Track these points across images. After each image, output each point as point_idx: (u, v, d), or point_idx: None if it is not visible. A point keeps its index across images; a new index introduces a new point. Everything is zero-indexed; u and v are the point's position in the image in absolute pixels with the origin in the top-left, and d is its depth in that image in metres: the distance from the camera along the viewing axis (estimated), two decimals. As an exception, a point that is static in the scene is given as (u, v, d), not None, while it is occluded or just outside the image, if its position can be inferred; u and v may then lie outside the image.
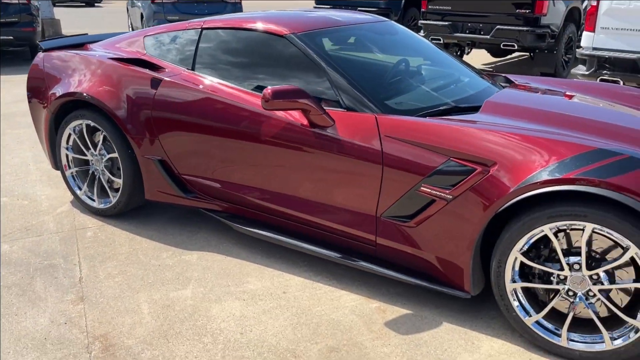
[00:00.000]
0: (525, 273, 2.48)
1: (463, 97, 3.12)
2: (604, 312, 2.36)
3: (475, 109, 2.93)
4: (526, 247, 2.39)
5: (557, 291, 2.40)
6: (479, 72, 3.67)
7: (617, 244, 2.27)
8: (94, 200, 3.81)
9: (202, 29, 3.52)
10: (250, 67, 3.26)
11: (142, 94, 3.43)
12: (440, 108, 2.90)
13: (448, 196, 2.53)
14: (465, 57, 10.12)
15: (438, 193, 2.56)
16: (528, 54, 9.79)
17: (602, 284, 2.31)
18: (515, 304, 2.47)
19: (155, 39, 3.73)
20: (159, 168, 3.45)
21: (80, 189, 3.87)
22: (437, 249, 2.64)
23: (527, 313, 2.46)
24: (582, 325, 2.39)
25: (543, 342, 2.44)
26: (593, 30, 5.75)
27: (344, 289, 2.94)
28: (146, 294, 2.90)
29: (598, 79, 5.75)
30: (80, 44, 4.21)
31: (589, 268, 2.31)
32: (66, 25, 16.07)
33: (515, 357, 2.44)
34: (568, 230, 2.33)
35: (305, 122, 2.89)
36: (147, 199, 3.59)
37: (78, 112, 3.64)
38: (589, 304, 2.35)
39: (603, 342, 2.31)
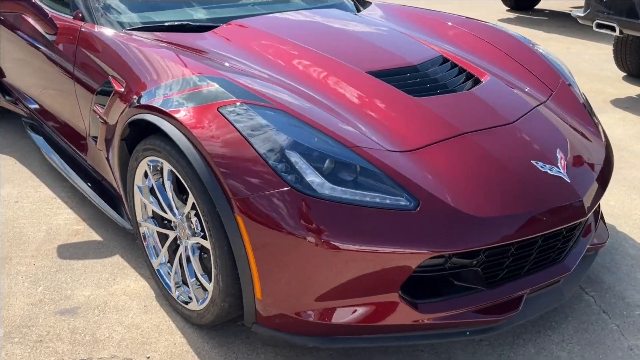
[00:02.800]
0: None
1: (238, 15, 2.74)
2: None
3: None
4: (149, 183, 2.12)
5: (175, 237, 2.11)
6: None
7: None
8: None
9: None
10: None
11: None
12: (165, 24, 2.59)
13: (105, 117, 2.31)
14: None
15: (100, 114, 2.34)
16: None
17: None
18: (146, 244, 2.23)
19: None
20: (-13, 72, 3.56)
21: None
22: (109, 175, 2.44)
23: (158, 256, 2.21)
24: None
25: (164, 290, 2.19)
26: (597, -37, 4.63)
27: (73, 208, 2.86)
28: None
29: (594, 24, 4.69)
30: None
31: (179, 214, 1.99)
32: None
33: (136, 299, 2.23)
34: (158, 167, 2.02)
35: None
36: (-6, 103, 3.74)
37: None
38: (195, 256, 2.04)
39: (192, 302, 2.02)
